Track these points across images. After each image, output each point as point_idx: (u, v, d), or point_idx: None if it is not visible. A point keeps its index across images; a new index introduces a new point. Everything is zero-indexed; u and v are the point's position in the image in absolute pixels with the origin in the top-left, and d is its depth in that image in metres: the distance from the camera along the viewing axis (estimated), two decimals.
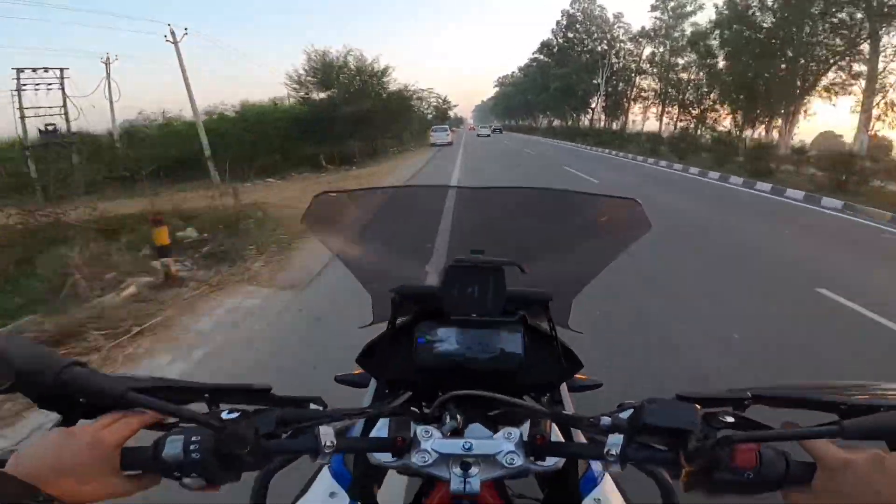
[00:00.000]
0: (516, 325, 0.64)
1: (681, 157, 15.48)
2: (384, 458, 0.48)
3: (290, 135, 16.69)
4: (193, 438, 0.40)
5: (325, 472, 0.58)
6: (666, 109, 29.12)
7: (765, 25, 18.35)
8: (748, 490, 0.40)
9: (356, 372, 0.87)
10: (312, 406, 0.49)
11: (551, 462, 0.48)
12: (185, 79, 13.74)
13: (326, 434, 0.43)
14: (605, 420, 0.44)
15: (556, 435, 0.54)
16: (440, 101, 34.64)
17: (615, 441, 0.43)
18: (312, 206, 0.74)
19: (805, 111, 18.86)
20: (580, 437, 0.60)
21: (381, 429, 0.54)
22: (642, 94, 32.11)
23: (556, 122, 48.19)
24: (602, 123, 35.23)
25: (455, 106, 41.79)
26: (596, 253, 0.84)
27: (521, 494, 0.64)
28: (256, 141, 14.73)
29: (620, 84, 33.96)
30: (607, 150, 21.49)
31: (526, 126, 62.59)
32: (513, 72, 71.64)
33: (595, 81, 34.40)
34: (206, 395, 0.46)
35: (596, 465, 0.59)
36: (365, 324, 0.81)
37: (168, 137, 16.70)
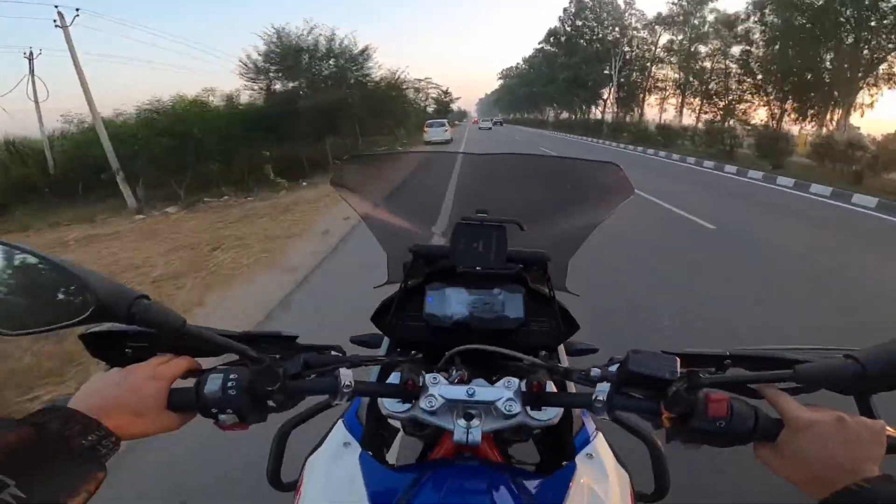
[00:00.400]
0: (518, 287, 0.71)
1: (728, 157, 13.23)
2: (395, 408, 0.53)
3: (243, 136, 11.33)
4: (231, 377, 0.46)
5: (340, 425, 0.63)
6: (686, 100, 27.28)
7: (817, 3, 16.09)
8: (721, 440, 0.43)
9: (371, 333, 0.93)
10: (333, 353, 0.55)
11: (547, 416, 0.53)
12: (79, 71, 9.70)
13: (345, 376, 0.49)
14: (595, 371, 0.50)
15: (553, 390, 0.57)
16: (440, 92, 31.71)
17: (603, 389, 0.48)
18: (340, 169, 0.91)
19: (863, 102, 16.46)
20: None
21: (393, 381, 0.58)
22: (658, 84, 30.17)
23: (564, 115, 46.12)
24: (614, 115, 33.05)
25: (457, 98, 37.96)
26: (586, 215, 0.90)
27: (521, 461, 0.68)
28: (178, 147, 9.64)
29: (634, 74, 31.92)
30: (632, 147, 18.63)
31: (532, 119, 59.93)
32: (517, 63, 67.28)
33: (606, 72, 32.41)
34: (240, 340, 0.51)
35: (589, 424, 0.63)
36: (379, 284, 0.89)
37: (73, 146, 12.13)
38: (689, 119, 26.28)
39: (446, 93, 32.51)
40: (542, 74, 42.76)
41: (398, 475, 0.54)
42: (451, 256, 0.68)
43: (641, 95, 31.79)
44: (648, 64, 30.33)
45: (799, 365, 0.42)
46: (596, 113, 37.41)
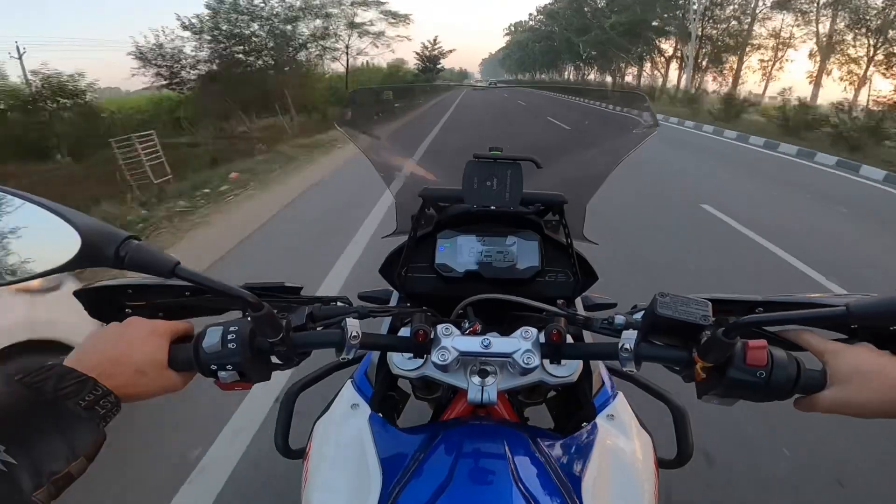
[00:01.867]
0: (532, 235, 0.70)
1: None
2: (405, 366, 0.51)
3: None
4: (231, 328, 0.43)
5: (349, 385, 0.61)
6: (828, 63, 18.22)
7: None
8: (761, 393, 0.40)
9: (379, 289, 0.90)
10: (340, 304, 0.52)
11: (566, 372, 0.50)
12: None
13: (352, 326, 0.45)
14: (619, 319, 0.47)
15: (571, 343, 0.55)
16: (424, 45, 24.26)
17: (629, 337, 0.44)
18: (347, 104, 0.88)
19: None
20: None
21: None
22: (759, 40, 21.24)
23: (591, 76, 38.75)
24: (691, 81, 23.32)
25: (449, 52, 27.10)
26: (606, 152, 0.87)
27: (535, 425, 0.65)
28: None
29: (730, 23, 22.29)
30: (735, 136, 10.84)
31: (547, 82, 45.25)
32: (530, 13, 58.70)
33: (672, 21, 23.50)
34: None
35: (608, 384, 0.61)
36: (387, 234, 0.85)
37: None
38: (830, 91, 19.01)
39: (434, 44, 24.67)
40: (569, 23, 32.83)
41: (410, 436, 0.52)
42: (463, 196, 0.63)
43: (740, 54, 22.45)
44: (754, 10, 21.16)
45: (851, 302, 0.38)
46: (650, 76, 29.23)
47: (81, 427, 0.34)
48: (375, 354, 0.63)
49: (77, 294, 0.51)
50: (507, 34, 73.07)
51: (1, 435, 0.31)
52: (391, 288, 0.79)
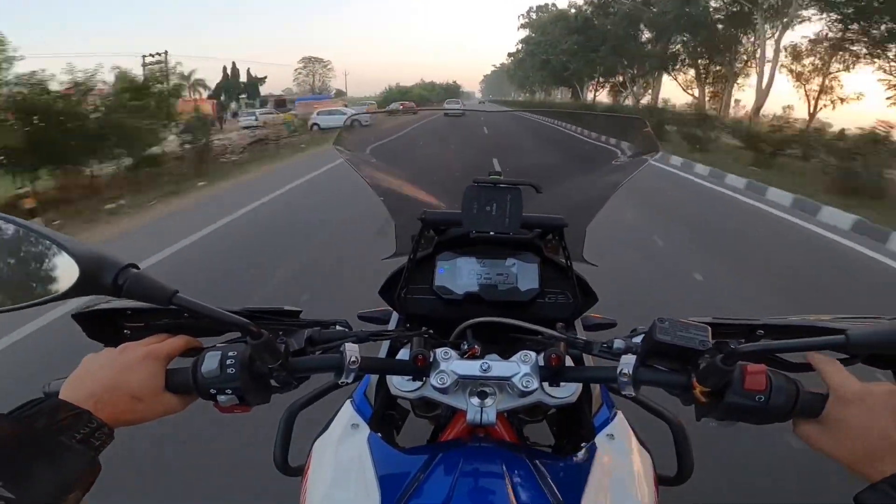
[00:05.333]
0: (532, 257, 0.71)
1: None
2: (404, 387, 0.53)
3: None
4: (230, 354, 0.44)
5: (348, 405, 0.63)
6: None
7: None
8: (759, 416, 0.41)
9: (379, 309, 0.93)
10: (339, 328, 0.53)
11: (565, 393, 0.52)
12: None
13: (352, 351, 0.47)
14: (619, 343, 0.48)
15: (571, 366, 0.57)
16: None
17: (628, 361, 0.45)
18: (344, 129, 0.88)
19: None
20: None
21: (402, 359, 0.58)
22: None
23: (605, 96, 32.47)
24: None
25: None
26: (606, 176, 0.90)
27: (535, 442, 0.68)
28: None
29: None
30: None
31: (558, 104, 38.25)
32: (536, 7, 43.24)
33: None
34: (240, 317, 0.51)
35: (608, 403, 0.62)
36: (387, 256, 0.88)
37: None
38: None
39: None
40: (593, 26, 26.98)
41: (409, 457, 0.53)
42: (462, 221, 0.66)
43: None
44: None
45: (850, 330, 0.38)
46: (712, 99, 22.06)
47: (76, 461, 0.36)
48: (375, 375, 0.65)
49: (75, 317, 0.52)
50: (520, 43, 62.94)
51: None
52: (391, 308, 0.81)
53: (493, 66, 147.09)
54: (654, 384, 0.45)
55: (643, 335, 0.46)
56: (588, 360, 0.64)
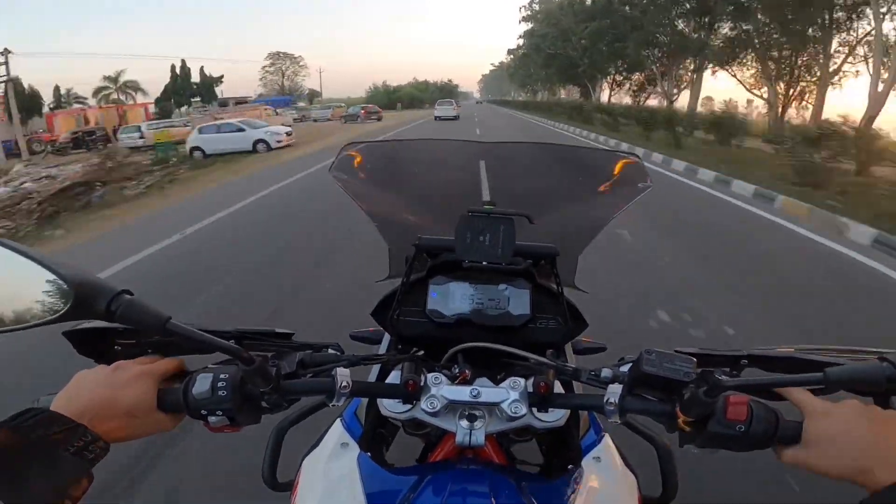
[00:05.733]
0: (524, 283, 0.82)
1: None
2: (395, 409, 0.61)
3: None
4: (221, 376, 0.52)
5: (338, 424, 0.73)
6: None
7: None
8: (740, 444, 0.50)
9: (370, 329, 1.06)
10: (330, 351, 0.62)
11: (553, 417, 0.61)
12: None
13: (343, 375, 0.56)
14: (606, 372, 0.58)
15: (560, 391, 0.65)
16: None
17: (614, 390, 0.55)
18: (339, 157, 1.01)
19: None
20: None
21: (393, 380, 0.66)
22: None
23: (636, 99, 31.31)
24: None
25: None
26: (599, 208, 1.04)
27: (524, 461, 0.79)
28: None
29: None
30: None
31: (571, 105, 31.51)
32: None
33: None
34: (233, 339, 0.59)
35: (596, 426, 0.74)
36: (381, 278, 1.01)
37: None
38: None
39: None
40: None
41: (397, 477, 0.62)
42: (456, 250, 0.75)
43: None
44: None
45: (829, 368, 0.48)
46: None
47: (70, 472, 0.42)
48: None
49: (66, 334, 0.60)
50: (521, 37, 58.73)
51: None
52: (383, 329, 0.92)
53: (492, 65, 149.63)
54: (640, 412, 0.54)
55: (630, 364, 0.55)
56: (577, 386, 0.73)
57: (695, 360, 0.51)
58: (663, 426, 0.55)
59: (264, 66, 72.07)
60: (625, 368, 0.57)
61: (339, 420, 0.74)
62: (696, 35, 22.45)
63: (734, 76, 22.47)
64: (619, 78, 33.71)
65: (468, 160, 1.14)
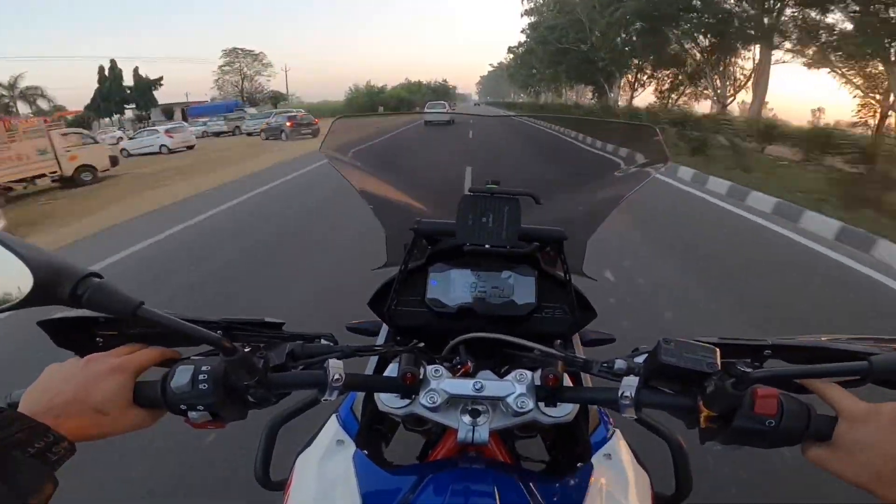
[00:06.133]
0: (529, 270, 0.90)
1: None
2: (393, 404, 0.67)
3: None
4: (203, 368, 0.55)
5: (333, 420, 0.79)
6: None
7: None
8: (769, 440, 0.52)
9: (368, 320, 1.13)
10: (324, 342, 0.68)
11: (561, 413, 0.66)
12: None
13: (336, 367, 0.60)
14: (620, 363, 0.61)
15: (569, 384, 0.71)
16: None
17: (630, 383, 0.58)
18: (330, 131, 1.09)
19: None
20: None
21: (391, 374, 0.71)
22: None
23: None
24: None
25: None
26: (612, 186, 1.12)
27: (528, 458, 0.85)
28: None
29: None
30: None
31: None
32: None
33: None
34: (219, 329, 0.66)
35: (606, 421, 0.80)
36: (377, 266, 1.09)
37: None
38: None
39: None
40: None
41: (395, 477, 0.67)
42: (456, 233, 0.82)
43: None
44: None
45: (874, 356, 0.50)
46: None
47: (30, 476, 0.45)
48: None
49: (41, 324, 0.64)
50: (524, 32, 60.65)
51: None
52: (380, 320, 0.99)
53: (491, 65, 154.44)
54: (659, 407, 0.58)
55: (646, 355, 0.59)
56: (586, 378, 0.82)
57: (717, 350, 0.54)
58: (682, 421, 0.58)
59: (220, 66, 68.02)
60: (640, 359, 0.60)
61: (334, 416, 0.80)
62: (764, 19, 19.17)
63: (842, 75, 18.92)
64: (642, 76, 31.73)
65: (467, 135, 1.32)
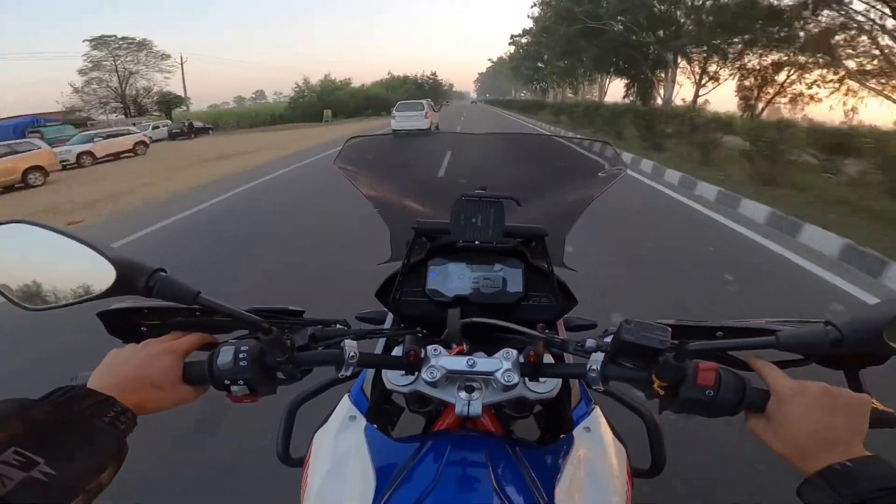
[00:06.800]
0: (517, 263, 1.04)
1: None
2: (398, 382, 0.79)
3: None
4: (242, 348, 0.66)
5: (346, 399, 0.91)
6: None
7: None
8: (710, 409, 0.61)
9: (375, 310, 1.31)
10: (339, 326, 0.80)
11: (545, 389, 0.78)
12: None
13: (350, 346, 0.71)
14: (591, 342, 0.72)
15: (550, 362, 0.82)
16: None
17: (597, 359, 0.69)
18: (344, 149, 1.28)
19: None
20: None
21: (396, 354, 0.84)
22: None
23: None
24: None
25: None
26: (580, 191, 1.30)
27: (522, 438, 0.96)
28: None
29: None
30: None
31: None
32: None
33: None
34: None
35: (587, 398, 0.91)
36: (383, 261, 1.24)
37: None
38: None
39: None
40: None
41: (402, 445, 0.78)
42: (450, 231, 0.96)
43: None
44: None
45: (780, 332, 0.60)
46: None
47: (108, 441, 0.51)
48: (371, 371, 0.94)
49: (100, 315, 0.77)
50: (521, 32, 53.63)
51: (40, 450, 0.45)
52: (386, 310, 1.14)
53: (490, 60, 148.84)
54: (620, 379, 0.68)
55: (612, 335, 0.68)
56: (568, 358, 0.93)
57: (670, 329, 0.63)
58: (646, 396, 0.68)
59: (92, 60, 49.52)
60: (607, 339, 0.70)
61: (346, 396, 0.92)
62: None
63: None
64: (718, 65, 22.37)
65: (458, 150, 1.48)
